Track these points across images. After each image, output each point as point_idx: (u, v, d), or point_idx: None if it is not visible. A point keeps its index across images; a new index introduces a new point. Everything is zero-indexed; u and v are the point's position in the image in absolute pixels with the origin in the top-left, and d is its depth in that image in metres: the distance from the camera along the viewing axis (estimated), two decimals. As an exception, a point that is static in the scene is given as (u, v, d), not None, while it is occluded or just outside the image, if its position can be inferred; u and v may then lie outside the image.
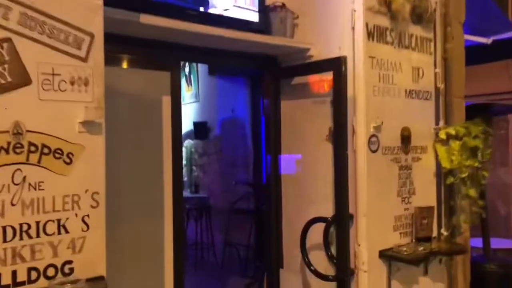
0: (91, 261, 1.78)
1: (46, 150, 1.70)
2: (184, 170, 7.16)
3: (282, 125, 3.33)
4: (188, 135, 7.09)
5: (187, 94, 7.06)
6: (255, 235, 6.05)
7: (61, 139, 1.73)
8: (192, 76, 6.86)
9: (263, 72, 3.34)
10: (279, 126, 3.32)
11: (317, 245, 3.00)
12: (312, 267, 2.84)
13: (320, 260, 2.97)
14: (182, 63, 7.13)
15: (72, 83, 1.76)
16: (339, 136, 2.79)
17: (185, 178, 7.20)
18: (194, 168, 7.02)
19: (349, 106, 2.79)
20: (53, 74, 1.72)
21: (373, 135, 2.84)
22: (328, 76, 2.90)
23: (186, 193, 7.00)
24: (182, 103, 6.71)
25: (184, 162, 7.19)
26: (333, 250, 2.91)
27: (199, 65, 6.60)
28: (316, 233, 2.95)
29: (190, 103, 7.00)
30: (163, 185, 2.72)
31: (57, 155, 1.72)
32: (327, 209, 2.93)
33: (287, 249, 3.25)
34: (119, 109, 2.57)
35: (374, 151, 2.85)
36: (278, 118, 3.32)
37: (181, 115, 2.85)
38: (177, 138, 2.81)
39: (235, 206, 6.17)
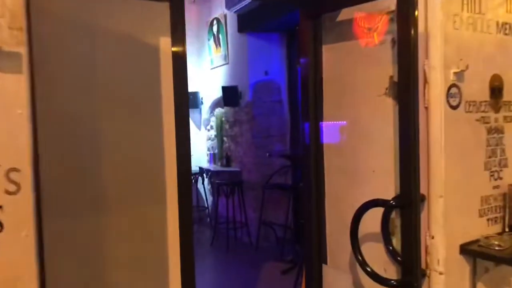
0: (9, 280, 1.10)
1: None
2: (215, 141, 6.50)
3: (324, 78, 2.56)
4: (218, 102, 6.40)
5: (215, 56, 6.33)
6: (293, 214, 5.35)
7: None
8: (220, 35, 6.11)
9: (299, 8, 2.55)
10: (320, 78, 2.54)
11: (372, 236, 2.25)
12: (367, 268, 2.09)
13: (377, 256, 2.23)
14: (209, 20, 6.38)
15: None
16: (406, 87, 1.99)
17: (216, 151, 6.54)
18: (225, 139, 6.34)
19: (420, 45, 1.98)
20: None
21: (453, 85, 2.03)
22: (389, 4, 2.09)
23: (217, 167, 6.35)
24: (210, 66, 5.96)
25: (214, 132, 6.53)
26: (395, 243, 2.16)
27: (228, 22, 5.83)
28: (371, 220, 2.19)
29: (219, 66, 6.26)
30: (163, 161, 2.02)
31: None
32: (386, 189, 2.17)
33: (332, 240, 2.51)
34: (96, 56, 1.88)
35: (454, 107, 2.04)
36: (318, 69, 2.54)
37: (186, 65, 2.12)
38: (182, 96, 2.09)
39: (271, 181, 5.47)
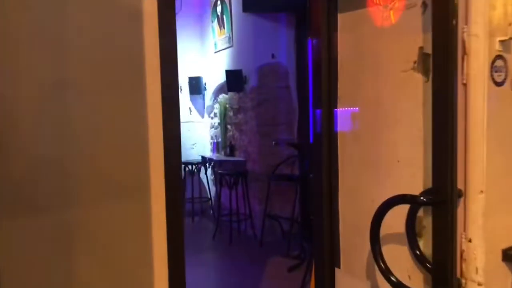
0: None
1: None
2: (218, 130, 6.17)
3: (339, 55, 2.21)
4: (222, 88, 6.05)
5: (219, 39, 5.97)
6: (300, 207, 5.02)
7: None
8: (224, 16, 5.74)
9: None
10: (335, 55, 2.20)
11: (394, 237, 1.92)
12: (391, 277, 1.75)
13: (400, 261, 1.89)
14: (213, 0, 6.02)
15: None
16: (440, 59, 1.64)
17: (219, 139, 6.21)
18: (229, 127, 6.00)
19: (460, 7, 1.62)
20: None
21: (498, 57, 1.67)
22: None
23: (221, 156, 6.03)
24: (214, 50, 5.55)
25: (217, 120, 6.20)
26: (423, 246, 1.82)
27: (233, 1, 5.46)
28: (393, 218, 1.85)
29: (223, 49, 5.91)
30: (147, 149, 1.69)
31: None
32: (413, 182, 1.83)
33: (346, 240, 2.18)
34: (69, 22, 1.53)
35: (499, 84, 1.69)
36: (332, 42, 2.19)
37: (175, 36, 1.78)
38: (171, 72, 1.74)
39: (277, 172, 5.13)
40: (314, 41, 2.30)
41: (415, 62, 1.83)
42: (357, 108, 2.21)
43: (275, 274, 4.33)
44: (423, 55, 1.79)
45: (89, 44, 1.58)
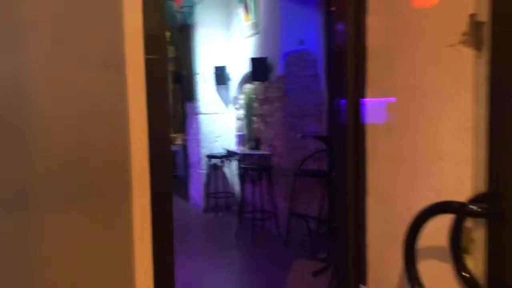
0: None
1: None
2: (244, 122, 5.86)
3: (368, 36, 1.87)
4: (247, 78, 5.73)
5: (245, 25, 5.65)
6: (328, 205, 4.66)
7: None
8: (251, 1, 5.41)
9: None
10: (362, 35, 1.85)
11: (434, 252, 1.55)
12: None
13: (441, 281, 1.52)
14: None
15: None
16: (502, 27, 1.26)
17: (244, 132, 5.91)
18: (254, 119, 5.68)
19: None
20: None
21: None
22: None
23: (245, 150, 5.72)
24: (239, 37, 5.21)
25: (243, 112, 5.89)
26: (471, 265, 1.45)
27: (259, -14, 5.12)
28: (433, 228, 1.48)
29: (249, 37, 5.58)
30: (127, 138, 1.39)
31: None
32: (459, 185, 1.46)
33: (375, 253, 1.82)
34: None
35: None
36: (360, 24, 1.85)
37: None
38: (158, 38, 1.44)
39: (304, 167, 4.78)
40: (339, 24, 2.02)
41: (464, 34, 1.45)
42: (390, 97, 1.85)
43: (299, 278, 4.00)
44: (475, 24, 1.41)
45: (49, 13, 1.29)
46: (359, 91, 1.91)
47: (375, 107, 1.91)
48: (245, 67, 5.70)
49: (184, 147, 7.92)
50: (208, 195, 6.21)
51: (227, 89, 6.37)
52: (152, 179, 1.47)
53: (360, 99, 1.91)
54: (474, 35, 1.42)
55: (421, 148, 1.65)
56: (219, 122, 6.37)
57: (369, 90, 1.92)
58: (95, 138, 1.34)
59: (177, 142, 8.68)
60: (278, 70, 5.04)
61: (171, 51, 7.34)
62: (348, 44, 1.98)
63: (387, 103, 1.86)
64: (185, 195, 7.03)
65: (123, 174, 1.40)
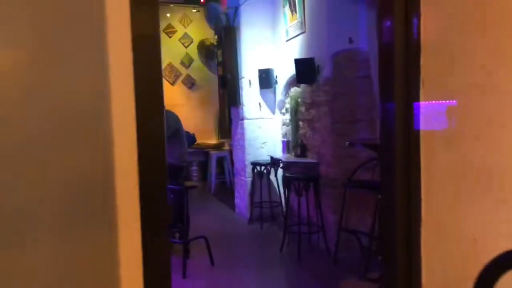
0: None
1: None
2: (289, 128, 5.52)
3: (421, 32, 1.50)
4: (294, 80, 5.38)
5: (291, 25, 5.32)
6: (382, 220, 4.19)
7: None
8: (296, 0, 5.07)
9: None
10: (415, 32, 1.48)
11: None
12: None
13: None
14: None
15: None
16: None
17: (289, 138, 5.56)
18: (300, 124, 5.32)
19: None
20: None
21: None
22: None
23: (291, 157, 5.37)
24: (285, 38, 4.87)
25: (288, 117, 5.55)
26: None
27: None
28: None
29: (295, 37, 5.24)
30: (111, 153, 1.10)
31: None
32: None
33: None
34: None
35: None
36: (410, 19, 1.48)
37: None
38: (150, 38, 1.15)
39: (354, 177, 4.36)
40: (386, 21, 1.70)
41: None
42: (451, 99, 1.46)
43: (348, 302, 3.60)
44: None
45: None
46: (411, 92, 1.53)
47: (431, 112, 1.53)
48: (291, 70, 5.36)
49: (231, 153, 7.69)
50: (253, 204, 5.91)
51: (273, 93, 6.05)
52: (142, 205, 1.17)
53: (412, 102, 1.53)
54: None
55: (492, 163, 1.25)
56: (265, 128, 6.06)
57: (423, 91, 1.54)
58: (69, 155, 1.06)
59: (224, 148, 8.48)
60: (325, 71, 4.66)
61: (219, 55, 7.14)
62: (396, 39, 1.64)
63: (447, 106, 1.47)
64: (230, 203, 6.78)
65: (105, 202, 1.11)
